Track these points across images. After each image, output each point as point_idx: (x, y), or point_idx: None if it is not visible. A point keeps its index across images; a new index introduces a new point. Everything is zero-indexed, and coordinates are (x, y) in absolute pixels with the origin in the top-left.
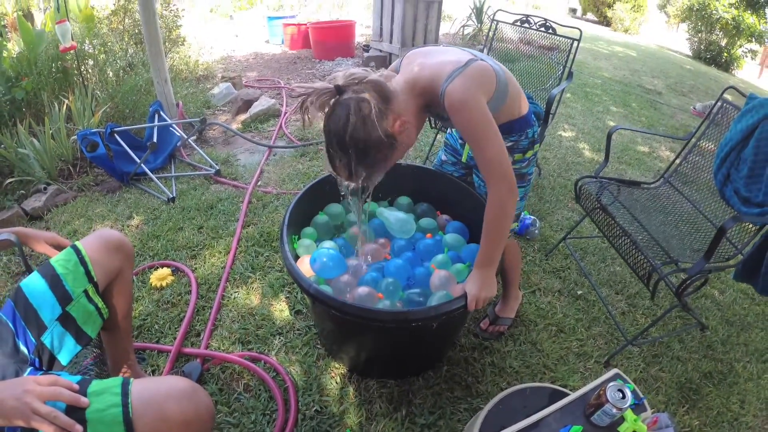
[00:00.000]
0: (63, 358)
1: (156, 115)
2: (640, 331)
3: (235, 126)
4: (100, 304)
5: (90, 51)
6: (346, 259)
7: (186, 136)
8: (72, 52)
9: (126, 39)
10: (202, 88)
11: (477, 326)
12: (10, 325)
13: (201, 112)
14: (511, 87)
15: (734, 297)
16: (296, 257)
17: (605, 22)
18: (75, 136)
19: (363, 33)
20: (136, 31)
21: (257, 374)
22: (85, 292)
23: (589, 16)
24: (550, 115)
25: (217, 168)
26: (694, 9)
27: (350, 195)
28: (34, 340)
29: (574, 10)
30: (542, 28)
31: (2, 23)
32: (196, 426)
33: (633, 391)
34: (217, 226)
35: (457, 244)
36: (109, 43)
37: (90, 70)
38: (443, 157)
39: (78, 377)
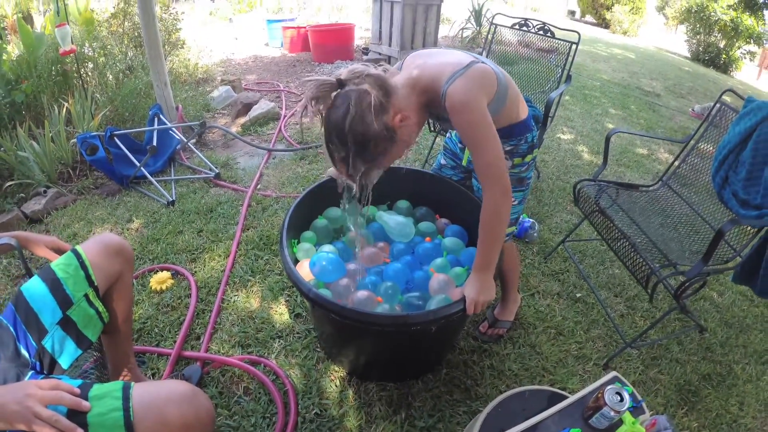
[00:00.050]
0: (64, 362)
1: (156, 119)
2: (639, 334)
3: (234, 129)
4: (101, 307)
5: (90, 54)
6: (346, 263)
7: (186, 140)
8: (72, 55)
9: (125, 42)
10: (202, 92)
11: (476, 329)
12: (11, 329)
13: (200, 116)
14: (510, 90)
15: (733, 299)
16: (296, 261)
17: (604, 24)
18: (75, 139)
19: (362, 36)
20: (136, 34)
21: (257, 377)
22: (86, 296)
23: (588, 18)
24: (549, 118)
25: (217, 171)
26: (693, 11)
27: (348, 201)
28: (35, 344)
29: (572, 13)
30: (541, 31)
31: (2, 26)
32: (196, 429)
33: (631, 394)
34: (217, 230)
35: (456, 248)
36: (109, 46)
37: (90, 73)
38: (442, 161)
39: (79, 381)
